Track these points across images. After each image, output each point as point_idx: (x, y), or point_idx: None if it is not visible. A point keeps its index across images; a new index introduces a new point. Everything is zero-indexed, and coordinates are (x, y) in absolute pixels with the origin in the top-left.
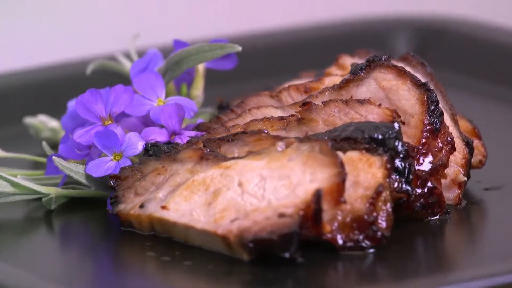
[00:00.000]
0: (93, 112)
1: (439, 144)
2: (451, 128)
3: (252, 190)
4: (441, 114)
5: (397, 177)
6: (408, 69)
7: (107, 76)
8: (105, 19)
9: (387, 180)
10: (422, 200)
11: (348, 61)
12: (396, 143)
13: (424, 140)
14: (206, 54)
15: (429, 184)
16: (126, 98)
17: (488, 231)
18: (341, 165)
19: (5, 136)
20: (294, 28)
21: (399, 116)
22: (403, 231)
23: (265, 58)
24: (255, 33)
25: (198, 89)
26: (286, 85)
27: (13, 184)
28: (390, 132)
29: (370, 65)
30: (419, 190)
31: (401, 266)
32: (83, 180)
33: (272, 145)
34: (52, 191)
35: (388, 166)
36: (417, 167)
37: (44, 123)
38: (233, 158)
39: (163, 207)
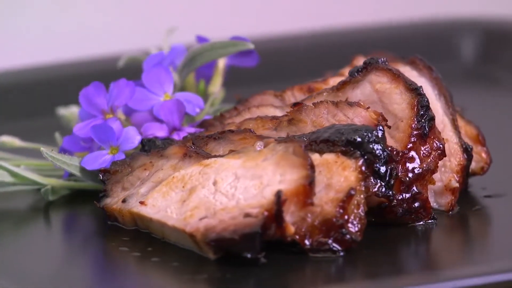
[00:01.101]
0: (96, 105)
1: (428, 149)
2: (451, 134)
3: (225, 189)
4: (431, 119)
5: (378, 181)
6: (414, 73)
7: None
8: (143, 14)
9: (361, 183)
10: (405, 205)
11: (362, 61)
12: (374, 147)
13: (411, 145)
14: (219, 51)
15: (414, 189)
16: (127, 92)
17: (473, 238)
18: (311, 167)
19: (39, 127)
20: (345, 29)
21: (385, 120)
22: (383, 235)
23: (309, 58)
24: (299, 33)
25: (216, 85)
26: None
27: (12, 174)
28: (369, 135)
29: (367, 68)
30: (402, 195)
31: (369, 268)
32: (76, 172)
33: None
34: (53, 182)
35: (363, 169)
36: (402, 172)
37: (75, 114)
38: (214, 156)
39: (141, 203)
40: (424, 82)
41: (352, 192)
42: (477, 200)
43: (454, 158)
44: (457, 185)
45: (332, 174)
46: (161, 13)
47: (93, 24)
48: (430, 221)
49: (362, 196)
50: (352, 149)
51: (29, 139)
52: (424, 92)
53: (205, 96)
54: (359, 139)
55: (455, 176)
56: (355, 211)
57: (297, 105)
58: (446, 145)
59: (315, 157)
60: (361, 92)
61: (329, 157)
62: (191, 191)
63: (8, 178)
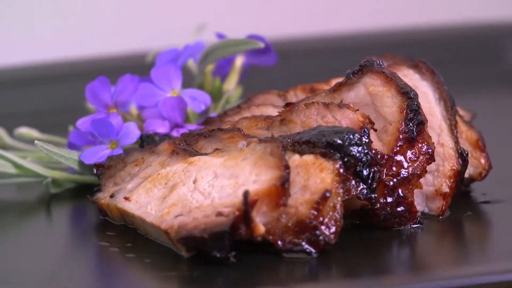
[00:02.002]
0: (100, 99)
1: (415, 153)
2: (447, 139)
3: (203, 187)
4: (420, 123)
5: (360, 183)
6: (416, 76)
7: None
8: (175, 11)
9: (338, 186)
10: (388, 208)
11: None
12: (355, 150)
13: (397, 149)
14: (231, 49)
15: (399, 193)
16: (131, 88)
17: (457, 242)
18: (285, 168)
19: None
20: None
21: (372, 123)
22: (366, 237)
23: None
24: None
25: (231, 83)
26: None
27: (16, 165)
28: (351, 138)
29: (362, 70)
30: (386, 199)
31: (343, 269)
32: (75, 166)
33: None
34: (56, 175)
35: (341, 171)
36: (387, 175)
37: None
38: (200, 154)
39: (126, 198)
40: (425, 85)
41: (327, 194)
42: (472, 206)
43: (448, 163)
44: (447, 190)
45: (309, 176)
46: (192, 11)
47: (123, 21)
48: (416, 225)
49: (339, 198)
50: (331, 151)
51: (52, 133)
52: (425, 96)
53: (220, 93)
54: (339, 141)
55: (447, 181)
56: (331, 213)
57: (289, 105)
58: (441, 150)
59: (295, 158)
60: (355, 94)
61: (308, 158)
62: (172, 188)
63: (11, 170)
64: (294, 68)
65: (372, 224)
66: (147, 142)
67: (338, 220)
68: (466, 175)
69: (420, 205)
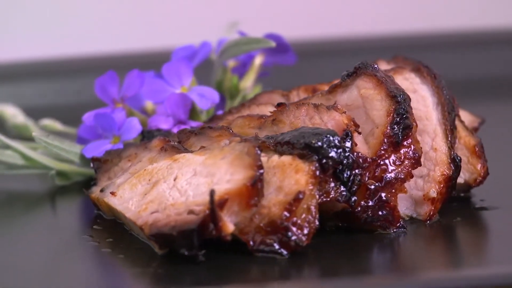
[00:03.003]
0: (108, 94)
1: (400, 157)
2: (441, 144)
3: (181, 185)
4: (407, 128)
5: (340, 186)
6: (417, 80)
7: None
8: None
9: (313, 187)
10: (369, 212)
11: (383, 66)
12: (333, 152)
13: (382, 152)
14: (242, 47)
15: (382, 196)
16: (137, 83)
17: (436, 247)
18: (258, 168)
19: None
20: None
21: (357, 126)
22: (344, 239)
23: None
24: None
25: (248, 81)
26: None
27: (24, 157)
28: (330, 140)
29: (356, 72)
30: (367, 202)
31: (312, 269)
32: (76, 159)
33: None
34: (64, 167)
35: (317, 173)
36: (369, 179)
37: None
38: (186, 151)
39: (112, 193)
40: (425, 89)
41: (300, 196)
42: (464, 211)
43: (439, 168)
44: (435, 195)
45: (285, 177)
46: (225, 7)
47: (157, 17)
48: (399, 229)
49: (313, 200)
50: (309, 152)
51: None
52: (423, 100)
53: (237, 91)
54: (318, 143)
55: (436, 186)
56: (304, 215)
57: (280, 105)
58: (434, 155)
59: (274, 158)
60: (348, 96)
61: (286, 159)
62: (154, 185)
63: (20, 161)
64: (319, 68)
65: (355, 226)
66: (147, 137)
67: (311, 222)
68: (462, 180)
69: (408, 210)
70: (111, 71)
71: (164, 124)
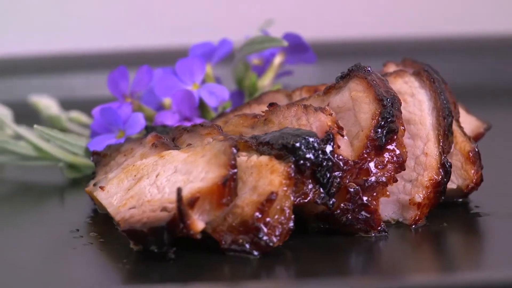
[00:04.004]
0: (119, 88)
1: (383, 161)
2: (432, 149)
3: (161, 181)
4: (391, 132)
5: (319, 188)
6: (416, 84)
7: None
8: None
9: (286, 188)
10: (349, 215)
11: (391, 68)
12: (310, 153)
13: (365, 155)
14: (256, 46)
15: (363, 200)
16: (146, 79)
17: (415, 251)
18: (232, 167)
19: None
20: None
21: (340, 128)
22: (322, 241)
23: None
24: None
25: (266, 80)
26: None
27: (36, 148)
28: (309, 141)
29: (349, 75)
30: (346, 205)
31: (283, 269)
32: (81, 152)
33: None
34: (75, 160)
35: (292, 175)
36: (350, 181)
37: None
38: (174, 148)
39: (101, 188)
40: (422, 93)
41: (273, 197)
42: (454, 217)
43: (427, 173)
44: (420, 200)
45: (260, 177)
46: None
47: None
48: (380, 233)
49: (287, 202)
50: (286, 153)
51: None
52: (419, 104)
53: (255, 89)
54: (296, 144)
55: (423, 191)
56: (277, 216)
57: (272, 105)
58: (424, 159)
59: (253, 158)
60: (340, 98)
61: (263, 159)
62: (138, 181)
63: (31, 152)
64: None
65: (337, 229)
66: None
67: (284, 223)
68: (455, 186)
69: (395, 214)
70: (122, 66)
71: (170, 120)
